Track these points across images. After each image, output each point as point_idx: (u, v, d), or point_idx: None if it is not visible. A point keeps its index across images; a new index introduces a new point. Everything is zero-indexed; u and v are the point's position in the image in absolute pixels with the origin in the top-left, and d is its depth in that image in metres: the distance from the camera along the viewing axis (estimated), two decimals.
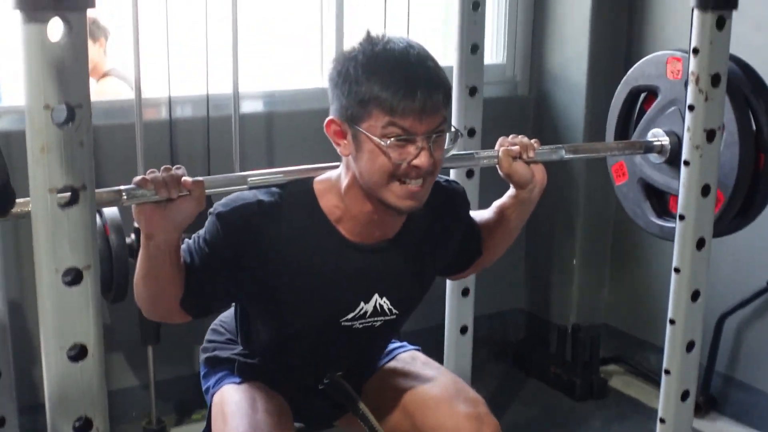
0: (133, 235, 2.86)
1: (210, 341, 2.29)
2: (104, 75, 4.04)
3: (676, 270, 2.30)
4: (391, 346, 2.32)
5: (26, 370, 3.02)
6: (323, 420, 2.36)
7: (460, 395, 2.19)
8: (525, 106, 3.97)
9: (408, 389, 2.21)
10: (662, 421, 2.37)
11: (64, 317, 1.48)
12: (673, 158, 2.40)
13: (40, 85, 1.40)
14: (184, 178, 1.71)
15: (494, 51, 3.96)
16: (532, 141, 2.15)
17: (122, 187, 1.69)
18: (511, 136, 2.16)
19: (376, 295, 2.05)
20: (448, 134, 1.88)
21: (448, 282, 2.96)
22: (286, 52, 3.91)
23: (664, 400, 2.37)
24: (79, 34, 1.40)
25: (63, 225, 1.45)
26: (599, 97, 3.72)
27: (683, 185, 2.23)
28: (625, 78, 2.58)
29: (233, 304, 2.19)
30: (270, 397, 2.13)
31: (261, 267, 1.94)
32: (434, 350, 2.50)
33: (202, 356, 2.28)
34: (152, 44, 3.13)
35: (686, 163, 2.21)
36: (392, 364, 2.29)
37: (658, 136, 2.44)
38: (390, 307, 2.08)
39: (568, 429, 3.56)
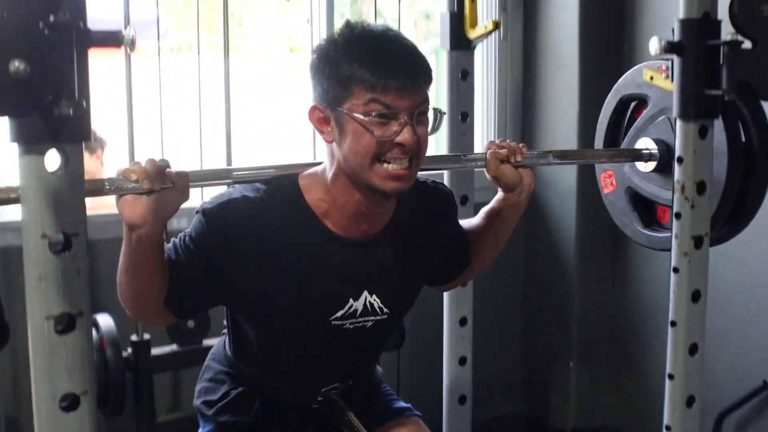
0: (129, 349, 2.85)
1: (201, 391, 2.24)
2: None
3: (670, 376, 2.29)
4: (399, 404, 2.30)
5: None
6: None
7: None
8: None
9: None
10: None
11: None
12: (661, 167, 2.40)
13: (38, 214, 1.42)
14: (168, 170, 1.69)
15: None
16: (520, 145, 2.14)
17: (105, 177, 1.69)
18: (499, 140, 2.17)
19: (366, 293, 2.02)
20: (429, 114, 1.89)
21: (445, 389, 2.95)
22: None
23: None
24: (76, 165, 1.43)
25: (60, 352, 1.45)
26: (589, 199, 3.75)
27: (673, 291, 2.23)
28: (615, 86, 2.58)
29: (224, 323, 2.15)
30: None
31: (247, 263, 1.91)
32: None
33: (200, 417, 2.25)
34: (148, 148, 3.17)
35: (675, 269, 2.22)
36: (398, 424, 2.26)
37: (647, 144, 2.43)
38: (380, 305, 2.05)
39: None
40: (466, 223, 2.28)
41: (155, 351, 2.93)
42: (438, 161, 2.41)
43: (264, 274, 1.92)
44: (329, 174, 1.91)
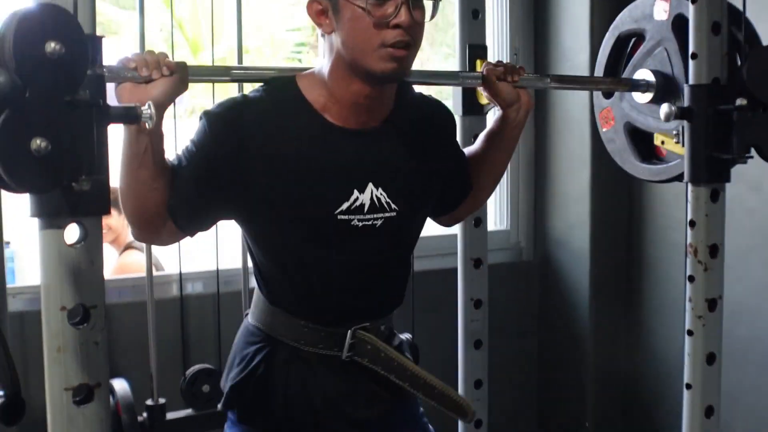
0: (145, 414, 2.84)
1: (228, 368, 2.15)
2: (127, 248, 4.10)
3: (688, 386, 2.26)
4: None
5: None
6: None
7: None
8: (530, 270, 4.01)
9: None
10: None
11: None
12: (658, 97, 2.37)
13: (57, 287, 1.43)
14: (166, 60, 1.70)
15: (499, 219, 4.03)
16: (518, 67, 2.14)
17: (105, 65, 1.56)
18: (496, 61, 2.16)
19: (371, 185, 1.97)
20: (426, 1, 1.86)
21: None
22: None
23: None
24: (95, 238, 1.44)
25: (78, 422, 1.46)
26: (603, 260, 3.76)
27: (688, 353, 2.23)
28: (613, 23, 2.56)
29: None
30: None
31: (249, 159, 1.89)
32: None
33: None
34: None
35: (689, 332, 2.22)
36: None
37: (644, 76, 2.41)
38: (387, 200, 1.99)
39: None
40: (465, 150, 2.26)
41: (170, 415, 2.91)
42: (435, 77, 2.41)
43: (267, 168, 1.89)
44: (327, 67, 1.91)
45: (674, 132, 2.26)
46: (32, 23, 1.28)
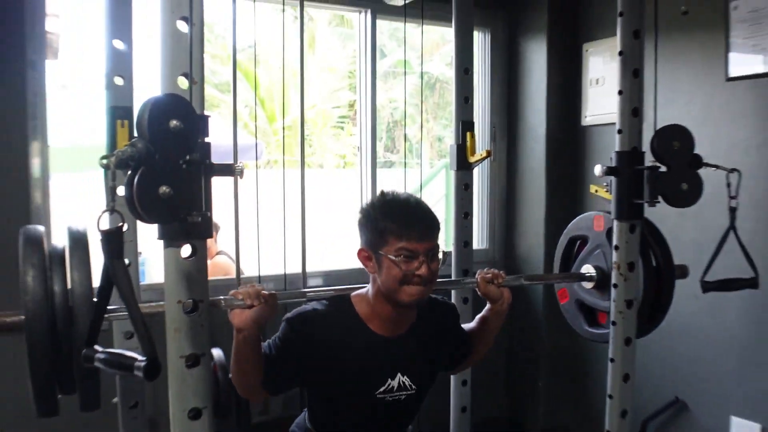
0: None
1: None
2: (216, 254, 4.13)
3: (610, 396, 2.24)
4: None
5: None
6: None
7: None
8: None
9: None
10: None
11: None
12: (598, 285, 2.40)
13: (175, 288, 1.44)
14: (262, 292, 1.76)
15: (480, 240, 4.01)
16: (500, 272, 2.15)
17: (221, 298, 1.77)
18: (486, 269, 2.17)
19: (399, 374, 2.02)
20: (439, 255, 1.93)
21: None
22: (340, 241, 3.97)
23: None
24: (201, 254, 1.44)
25: (188, 381, 1.46)
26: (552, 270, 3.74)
27: (612, 338, 2.20)
28: (566, 230, 2.58)
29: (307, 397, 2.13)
30: None
31: (317, 354, 1.93)
32: None
33: None
34: (248, 235, 3.19)
35: (614, 323, 2.20)
36: None
37: (588, 269, 2.44)
38: (410, 383, 2.04)
39: None
40: (466, 326, 2.28)
41: None
42: (445, 284, 2.48)
43: (328, 361, 1.94)
44: (371, 294, 1.97)
45: (605, 184, 2.26)
46: (161, 107, 1.30)
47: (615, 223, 2.18)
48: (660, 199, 2.13)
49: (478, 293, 2.17)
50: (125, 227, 1.32)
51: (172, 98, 1.32)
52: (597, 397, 3.54)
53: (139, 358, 1.29)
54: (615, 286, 2.19)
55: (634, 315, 2.21)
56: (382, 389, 2.00)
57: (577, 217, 2.56)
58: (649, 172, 2.12)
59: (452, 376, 2.93)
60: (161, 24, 1.40)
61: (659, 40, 3.01)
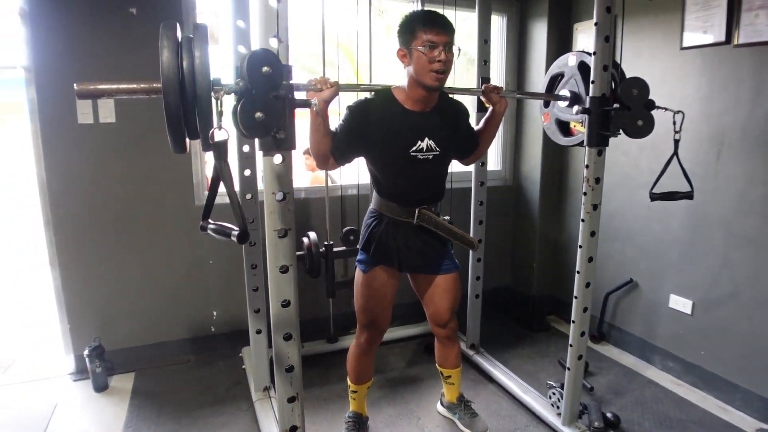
0: (323, 248, 2.84)
1: (361, 234, 2.12)
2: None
3: (577, 272, 2.20)
4: (448, 263, 2.17)
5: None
6: (417, 269, 2.16)
7: (448, 313, 2.17)
8: (509, 190, 3.85)
9: (433, 293, 2.17)
10: (571, 345, 2.28)
11: (279, 287, 1.50)
12: (571, 103, 2.26)
13: (271, 182, 1.45)
14: (329, 80, 1.64)
15: (496, 164, 3.87)
16: (500, 85, 2.08)
17: (301, 82, 1.59)
18: (491, 83, 2.08)
19: (426, 138, 1.94)
20: (453, 49, 1.82)
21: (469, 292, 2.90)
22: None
23: (573, 334, 2.28)
24: (288, 160, 1.45)
25: (279, 247, 1.49)
26: (545, 185, 3.62)
27: (582, 230, 2.14)
28: (549, 70, 2.42)
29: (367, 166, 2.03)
30: (377, 276, 2.07)
31: (370, 127, 1.88)
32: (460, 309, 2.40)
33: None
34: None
35: (582, 220, 2.13)
36: (440, 275, 2.16)
37: (564, 92, 2.29)
38: (435, 145, 1.95)
39: (530, 344, 3.43)
40: (474, 127, 2.17)
41: (336, 249, 2.92)
42: (461, 91, 2.25)
43: (377, 131, 1.89)
44: (406, 82, 1.89)
45: (581, 121, 2.15)
46: (257, 57, 1.28)
47: (587, 149, 2.08)
48: (621, 132, 2.02)
49: (482, 99, 2.10)
50: (229, 139, 1.29)
51: (264, 51, 1.30)
52: (573, 273, 3.50)
53: (235, 228, 1.30)
54: (584, 194, 2.11)
55: (598, 215, 2.13)
56: (414, 148, 1.94)
57: (558, 58, 2.38)
58: (614, 111, 2.00)
59: (470, 256, 2.92)
60: (259, 2, 1.37)
61: (626, 21, 2.86)
